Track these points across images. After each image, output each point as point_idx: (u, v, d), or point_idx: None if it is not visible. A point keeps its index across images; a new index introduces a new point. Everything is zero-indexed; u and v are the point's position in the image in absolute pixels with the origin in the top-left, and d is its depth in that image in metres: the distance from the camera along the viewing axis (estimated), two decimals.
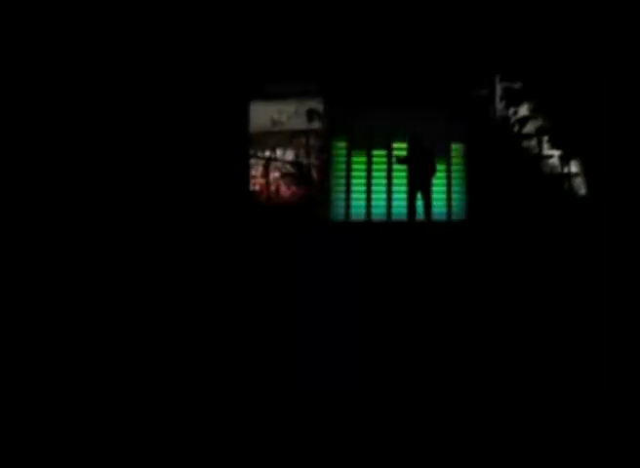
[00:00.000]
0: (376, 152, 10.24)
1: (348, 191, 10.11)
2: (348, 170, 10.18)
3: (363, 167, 10.25)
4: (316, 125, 10.35)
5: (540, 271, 4.77)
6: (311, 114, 9.47)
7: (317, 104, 10.31)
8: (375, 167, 10.24)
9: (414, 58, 10.73)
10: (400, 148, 9.97)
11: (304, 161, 10.91)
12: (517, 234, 8.04)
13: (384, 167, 10.25)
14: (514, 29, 10.71)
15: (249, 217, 5.95)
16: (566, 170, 10.98)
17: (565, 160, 11.06)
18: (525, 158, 11.10)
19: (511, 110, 11.46)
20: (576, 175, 10.81)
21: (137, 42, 5.72)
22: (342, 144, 10.13)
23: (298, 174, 11.41)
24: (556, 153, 11.16)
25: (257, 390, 2.14)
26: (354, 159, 10.25)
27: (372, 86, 10.70)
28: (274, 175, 11.38)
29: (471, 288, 4.00)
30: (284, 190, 11.39)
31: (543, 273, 4.70)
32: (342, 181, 10.17)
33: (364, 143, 10.24)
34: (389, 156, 10.17)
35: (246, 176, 7.53)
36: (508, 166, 10.68)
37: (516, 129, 11.45)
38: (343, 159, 10.18)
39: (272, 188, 11.25)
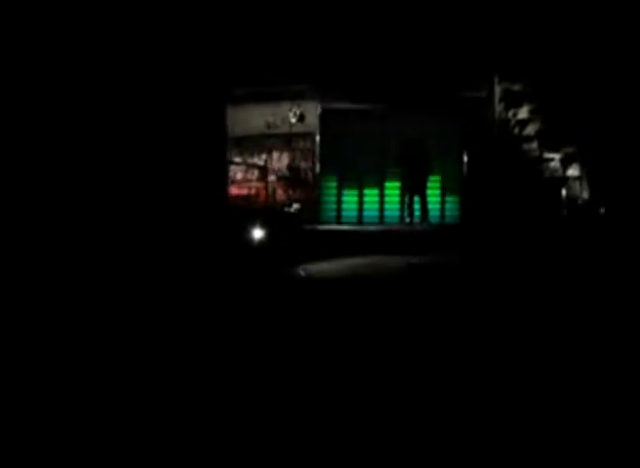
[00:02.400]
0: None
1: (339, 193, 9.90)
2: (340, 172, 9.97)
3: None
4: (311, 128, 10.19)
5: (543, 280, 4.51)
6: (296, 115, 9.28)
7: (311, 106, 10.14)
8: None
9: (411, 57, 10.52)
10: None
11: (301, 164, 10.73)
12: (514, 239, 7.72)
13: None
14: (513, 28, 10.44)
15: (224, 220, 5.79)
16: (567, 173, 10.67)
17: (566, 163, 10.76)
18: (525, 161, 10.81)
19: (511, 112, 11.19)
20: (577, 178, 10.50)
21: (116, 43, 5.60)
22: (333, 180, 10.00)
23: (293, 177, 11.25)
24: (557, 156, 10.86)
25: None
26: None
27: (368, 88, 10.52)
28: (270, 178, 11.23)
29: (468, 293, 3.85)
30: (280, 193, 11.24)
31: (547, 282, 4.44)
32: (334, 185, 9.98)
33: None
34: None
35: (224, 180, 7.36)
36: (507, 169, 10.40)
37: (516, 131, 11.18)
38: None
39: (269, 191, 11.11)
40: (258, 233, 5.75)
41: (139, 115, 5.81)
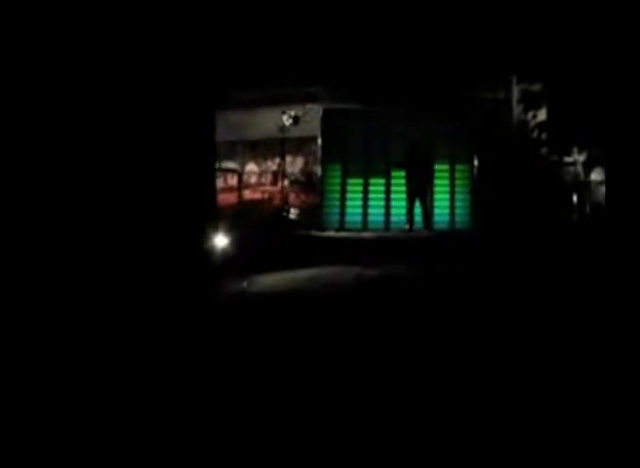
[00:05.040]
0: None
1: (343, 198, 9.70)
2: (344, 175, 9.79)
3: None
4: (313, 131, 10.06)
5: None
6: (290, 118, 9.14)
7: (313, 109, 10.01)
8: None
9: (423, 57, 10.20)
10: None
11: (304, 168, 10.62)
12: (516, 249, 7.32)
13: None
14: (531, 25, 9.98)
15: (198, 231, 5.76)
16: (589, 177, 10.15)
17: (587, 167, 10.23)
18: (544, 165, 10.34)
19: (530, 114, 10.72)
20: (599, 182, 9.95)
21: (106, 41, 5.66)
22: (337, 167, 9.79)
23: (306, 181, 11.12)
24: (579, 160, 10.35)
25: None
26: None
27: (379, 90, 10.29)
28: (283, 183, 11.15)
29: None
30: (293, 198, 11.14)
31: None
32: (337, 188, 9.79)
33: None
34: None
35: (212, 187, 7.31)
36: (522, 173, 9.95)
37: (535, 134, 10.70)
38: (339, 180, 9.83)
39: (281, 196, 11.02)
40: (222, 241, 5.66)
41: (119, 119, 5.82)
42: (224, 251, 5.55)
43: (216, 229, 5.81)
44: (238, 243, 5.92)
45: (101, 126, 5.52)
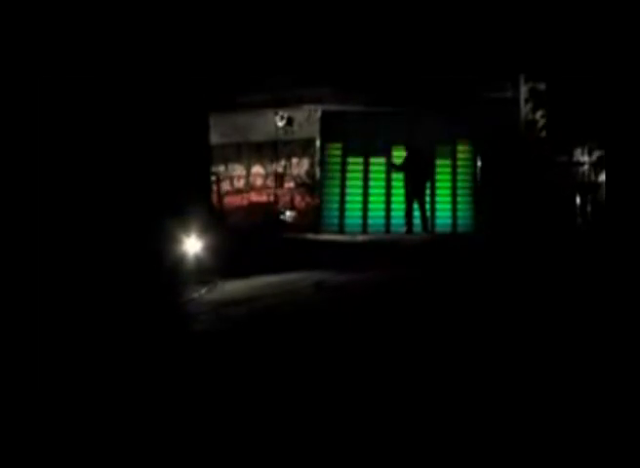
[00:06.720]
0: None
1: (343, 200, 9.57)
2: (343, 178, 9.67)
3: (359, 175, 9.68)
4: (311, 133, 9.96)
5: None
6: (283, 119, 9.04)
7: (312, 110, 9.91)
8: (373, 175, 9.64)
9: (428, 56, 9.99)
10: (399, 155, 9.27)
11: (301, 170, 10.51)
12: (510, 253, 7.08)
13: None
14: (539, 21, 9.70)
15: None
16: (599, 178, 9.82)
17: (597, 168, 9.90)
18: (551, 165, 10.03)
19: (539, 113, 10.41)
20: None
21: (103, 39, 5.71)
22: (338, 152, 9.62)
23: (312, 183, 11.02)
24: (588, 160, 10.02)
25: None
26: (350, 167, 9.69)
27: (383, 90, 10.13)
28: (289, 185, 11.08)
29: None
30: (298, 200, 11.05)
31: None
32: (337, 190, 9.66)
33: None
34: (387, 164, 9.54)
35: (207, 191, 7.28)
36: (528, 173, 9.67)
37: (543, 134, 10.39)
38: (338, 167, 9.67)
39: (287, 199, 10.94)
40: (202, 245, 5.60)
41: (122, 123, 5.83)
42: (204, 255, 5.49)
43: (200, 233, 5.74)
44: (221, 247, 5.85)
45: (95, 125, 5.53)
